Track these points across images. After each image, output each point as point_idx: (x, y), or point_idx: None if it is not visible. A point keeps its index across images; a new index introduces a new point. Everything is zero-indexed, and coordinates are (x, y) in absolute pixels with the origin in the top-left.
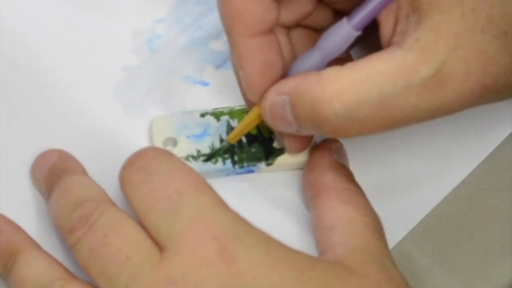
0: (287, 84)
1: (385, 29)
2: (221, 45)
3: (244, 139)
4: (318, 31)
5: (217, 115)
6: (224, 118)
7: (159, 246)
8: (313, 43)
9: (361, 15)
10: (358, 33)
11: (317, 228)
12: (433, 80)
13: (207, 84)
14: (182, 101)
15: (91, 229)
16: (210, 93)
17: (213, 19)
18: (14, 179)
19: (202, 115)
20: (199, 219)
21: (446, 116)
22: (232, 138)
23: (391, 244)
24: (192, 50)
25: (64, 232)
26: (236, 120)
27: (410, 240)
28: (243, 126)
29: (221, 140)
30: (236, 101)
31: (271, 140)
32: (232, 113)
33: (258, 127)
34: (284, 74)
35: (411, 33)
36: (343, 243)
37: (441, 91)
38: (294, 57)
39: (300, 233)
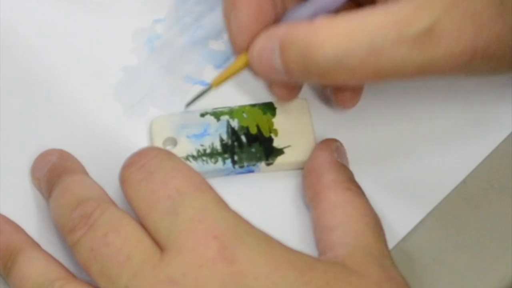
0: (278, 30)
1: None
2: (221, 45)
3: (244, 139)
4: None
5: (217, 115)
6: (224, 118)
7: (160, 246)
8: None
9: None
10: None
11: (317, 228)
12: (425, 35)
13: (207, 84)
14: (182, 101)
15: (92, 229)
16: (210, 93)
17: (213, 19)
18: (14, 179)
19: (202, 115)
20: (200, 219)
21: (435, 77)
22: (216, 82)
23: (391, 244)
24: (192, 50)
25: (64, 231)
26: (236, 120)
27: (410, 240)
28: (229, 71)
29: (221, 140)
30: (236, 101)
31: (271, 140)
32: (232, 113)
33: (258, 127)
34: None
35: None
36: (344, 243)
37: (432, 47)
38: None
39: (300, 233)
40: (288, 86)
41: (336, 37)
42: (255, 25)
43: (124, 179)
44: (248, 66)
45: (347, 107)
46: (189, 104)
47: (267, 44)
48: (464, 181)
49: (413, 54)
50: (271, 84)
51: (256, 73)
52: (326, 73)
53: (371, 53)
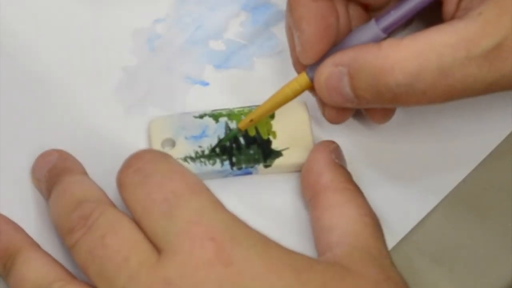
0: (345, 56)
1: (449, 6)
2: (221, 45)
3: (242, 141)
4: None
5: (215, 116)
6: (223, 119)
7: (157, 248)
8: (363, 21)
9: (391, 19)
10: (385, 35)
11: (316, 229)
12: (494, 52)
13: (207, 84)
14: (182, 101)
15: (90, 230)
16: (210, 93)
17: (213, 19)
18: (15, 179)
19: (201, 117)
20: (196, 221)
21: (504, 91)
22: (272, 106)
23: (391, 244)
24: (192, 50)
25: (63, 232)
26: (234, 122)
27: (410, 240)
28: (287, 92)
29: (220, 141)
30: (236, 101)
31: (269, 142)
32: (230, 115)
33: (256, 129)
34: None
35: (475, 8)
36: (342, 244)
37: (501, 64)
38: (348, 29)
39: (299, 235)
40: (341, 110)
41: (405, 62)
42: (321, 43)
43: (120, 182)
44: (309, 87)
45: (382, 123)
46: (216, 145)
47: (334, 71)
48: (464, 181)
49: (482, 72)
50: (324, 108)
51: (322, 99)
52: (398, 98)
53: (441, 75)
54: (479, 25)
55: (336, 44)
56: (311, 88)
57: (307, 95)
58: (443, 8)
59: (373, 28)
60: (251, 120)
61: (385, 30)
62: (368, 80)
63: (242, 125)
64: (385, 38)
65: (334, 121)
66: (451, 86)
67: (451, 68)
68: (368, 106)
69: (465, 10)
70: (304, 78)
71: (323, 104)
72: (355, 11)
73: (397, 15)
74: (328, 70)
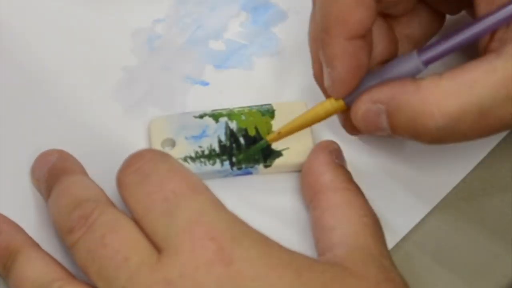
0: (382, 93)
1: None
2: (221, 45)
3: (242, 141)
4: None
5: (215, 116)
6: (223, 119)
7: (157, 248)
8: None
9: (435, 52)
10: (426, 68)
11: (316, 229)
12: None
13: (207, 84)
14: (182, 101)
15: (90, 230)
16: (210, 93)
17: (213, 19)
18: (14, 179)
19: (201, 117)
20: (197, 221)
21: None
22: (287, 131)
23: (391, 244)
24: (192, 50)
25: (63, 232)
26: (234, 122)
27: (410, 240)
28: (314, 114)
29: (220, 142)
30: (236, 101)
31: None
32: (230, 115)
33: (256, 129)
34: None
35: (510, 41)
36: (343, 244)
37: None
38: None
39: (299, 235)
40: None
41: (445, 105)
42: (353, 80)
43: (120, 182)
44: (342, 110)
45: (356, 134)
46: (241, 160)
47: (372, 108)
48: (464, 181)
49: None
50: (345, 122)
51: (358, 128)
52: (436, 139)
53: (481, 116)
54: None
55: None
56: (344, 111)
57: (306, 95)
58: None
59: (415, 60)
60: (279, 133)
61: (426, 63)
62: (406, 121)
63: (270, 137)
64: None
65: (355, 134)
66: (490, 125)
67: (491, 108)
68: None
69: (500, 42)
70: (338, 101)
71: (344, 119)
72: (377, 23)
73: (440, 50)
74: (365, 106)
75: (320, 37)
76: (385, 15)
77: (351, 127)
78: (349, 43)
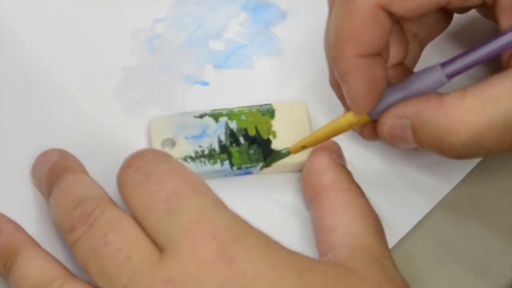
0: (407, 109)
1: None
2: (221, 45)
3: (242, 141)
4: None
5: (215, 116)
6: (223, 119)
7: (158, 247)
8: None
9: (458, 66)
10: (449, 81)
11: (318, 229)
12: None
13: (207, 84)
14: (182, 100)
15: (91, 228)
16: (210, 93)
17: (213, 19)
18: (15, 178)
19: (201, 116)
20: (198, 220)
21: None
22: (311, 142)
23: (391, 243)
24: (191, 50)
25: (64, 230)
26: (234, 122)
27: (410, 240)
28: (337, 125)
29: (220, 141)
30: (235, 101)
31: (269, 141)
32: (230, 115)
33: (256, 129)
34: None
35: None
36: (344, 244)
37: None
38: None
39: (299, 235)
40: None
41: (470, 123)
42: (370, 95)
43: (121, 182)
44: (365, 122)
45: (370, 139)
46: (266, 165)
47: (397, 123)
48: (464, 181)
49: None
50: (363, 130)
51: (385, 142)
52: (461, 155)
53: (506, 131)
54: None
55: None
56: (367, 123)
57: (307, 95)
58: None
59: (438, 74)
60: (304, 146)
61: (449, 76)
62: (431, 137)
63: (293, 149)
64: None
65: (372, 140)
66: None
67: None
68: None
69: None
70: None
71: (361, 126)
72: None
73: (464, 63)
74: (391, 121)
75: (332, 54)
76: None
77: (368, 134)
78: (361, 60)
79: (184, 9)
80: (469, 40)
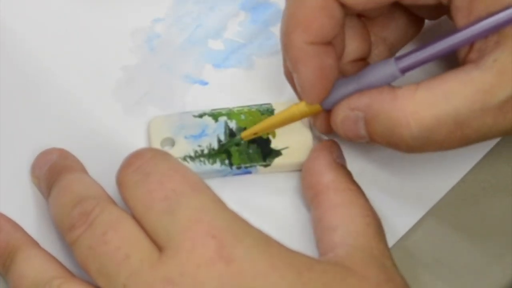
0: (360, 101)
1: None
2: (220, 45)
3: (242, 140)
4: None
5: (215, 116)
6: (222, 119)
7: (158, 246)
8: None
9: (412, 61)
10: (402, 75)
11: (318, 229)
12: (509, 102)
13: (206, 84)
14: (181, 100)
15: (91, 227)
16: (210, 93)
17: (213, 19)
18: (14, 177)
19: (200, 116)
20: (198, 219)
21: None
22: (262, 129)
23: (391, 243)
24: (191, 50)
25: (63, 229)
26: (234, 121)
27: (410, 240)
28: (289, 114)
29: (219, 141)
30: (235, 101)
31: (268, 141)
32: (230, 114)
33: None
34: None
35: (489, 52)
36: (344, 244)
37: None
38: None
39: (298, 235)
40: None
41: (421, 115)
42: (320, 83)
43: (120, 181)
44: (317, 113)
45: (326, 133)
46: (218, 151)
47: (350, 115)
48: (463, 180)
49: (497, 122)
50: (315, 120)
51: (337, 133)
52: (412, 148)
53: (457, 127)
54: (494, 74)
55: (351, 74)
56: (319, 113)
57: None
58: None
59: (391, 67)
60: (255, 133)
61: (403, 70)
62: (383, 129)
63: (245, 135)
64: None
65: (326, 132)
66: (466, 136)
67: (466, 120)
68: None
69: (479, 52)
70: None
71: (315, 117)
72: (351, 21)
73: (418, 58)
74: (344, 113)
75: (284, 41)
76: (360, 15)
77: (321, 126)
78: (311, 47)
79: (183, 8)
80: None
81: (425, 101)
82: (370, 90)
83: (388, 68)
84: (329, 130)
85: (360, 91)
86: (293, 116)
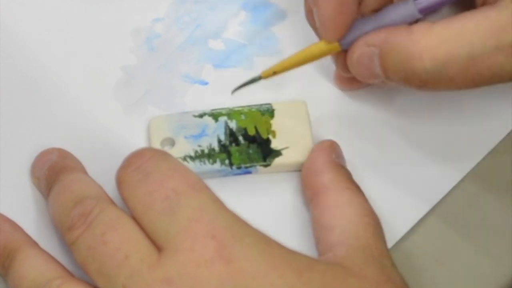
0: (377, 36)
1: None
2: (220, 45)
3: (241, 140)
4: None
5: (215, 116)
6: (222, 119)
7: (157, 246)
8: None
9: (430, 1)
10: (421, 16)
11: (316, 229)
12: None
13: (206, 83)
14: (181, 100)
15: (90, 227)
16: (209, 92)
17: (213, 18)
18: (14, 178)
19: (200, 116)
20: (197, 219)
21: None
22: (282, 68)
23: (391, 243)
24: (191, 49)
25: (63, 229)
26: (234, 121)
27: (409, 239)
28: (308, 53)
29: (219, 141)
30: (235, 101)
31: (269, 141)
32: (230, 114)
33: (256, 128)
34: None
35: None
36: (343, 244)
37: None
38: None
39: (298, 235)
40: (352, 80)
41: (434, 49)
42: (339, 19)
43: (120, 180)
44: (336, 52)
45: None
46: (238, 88)
47: (366, 51)
48: (463, 180)
49: (510, 61)
50: (337, 76)
51: (352, 73)
52: (425, 83)
53: (470, 62)
54: (509, 13)
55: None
56: (337, 53)
57: (306, 94)
58: None
59: (411, 7)
60: (275, 72)
61: (422, 11)
62: (397, 63)
63: (265, 73)
64: (419, 19)
65: (346, 87)
66: (479, 73)
67: (480, 56)
68: (398, 86)
69: None
70: (333, 42)
71: (336, 58)
72: None
73: None
74: (360, 49)
75: None
76: None
77: (343, 67)
78: None
79: (183, 8)
80: None
81: (440, 36)
82: (387, 27)
83: (407, 8)
84: (348, 70)
85: (378, 29)
86: (313, 55)
